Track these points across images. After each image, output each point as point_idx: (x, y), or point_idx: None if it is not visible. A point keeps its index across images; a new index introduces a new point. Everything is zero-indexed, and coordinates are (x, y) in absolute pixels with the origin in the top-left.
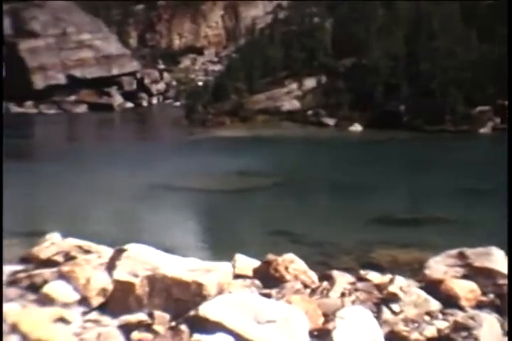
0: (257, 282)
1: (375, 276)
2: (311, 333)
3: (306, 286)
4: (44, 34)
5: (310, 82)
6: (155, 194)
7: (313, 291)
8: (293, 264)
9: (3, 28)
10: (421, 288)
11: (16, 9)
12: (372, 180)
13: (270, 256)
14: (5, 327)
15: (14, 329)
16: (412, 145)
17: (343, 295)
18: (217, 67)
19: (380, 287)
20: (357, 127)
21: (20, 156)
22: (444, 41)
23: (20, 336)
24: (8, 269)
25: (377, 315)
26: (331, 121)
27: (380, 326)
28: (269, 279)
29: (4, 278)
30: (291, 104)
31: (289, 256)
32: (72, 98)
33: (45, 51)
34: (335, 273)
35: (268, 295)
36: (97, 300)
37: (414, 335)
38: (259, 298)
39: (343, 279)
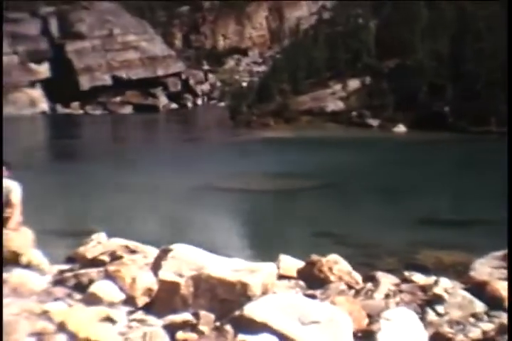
0: (301, 283)
1: (419, 278)
2: (355, 334)
3: (350, 287)
4: (90, 36)
5: (354, 83)
6: (200, 194)
7: (358, 292)
8: (337, 265)
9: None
10: (466, 289)
11: (63, 11)
12: (416, 181)
13: (314, 257)
14: (51, 326)
15: (61, 328)
16: (456, 147)
17: (387, 296)
18: (262, 68)
19: (424, 288)
20: (401, 128)
21: (67, 157)
22: (489, 41)
23: (67, 335)
24: (54, 268)
25: (422, 316)
26: (374, 122)
27: (425, 328)
28: (313, 280)
29: (51, 277)
30: (335, 105)
31: (333, 257)
32: (118, 99)
33: (91, 52)
34: (379, 274)
35: (312, 296)
36: (142, 300)
37: (459, 337)
38: (304, 299)
39: (387, 280)
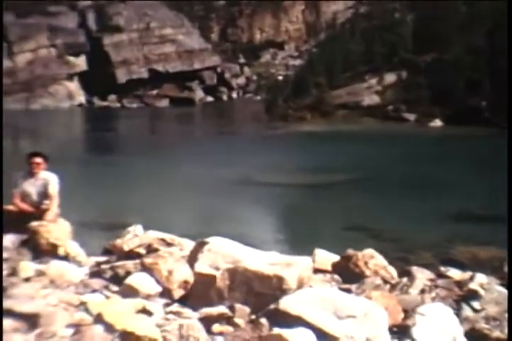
0: (337, 277)
1: (455, 273)
2: (390, 329)
3: (385, 282)
4: (128, 29)
5: (390, 77)
6: (235, 188)
7: (393, 287)
8: (373, 260)
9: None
10: (502, 285)
11: (100, 5)
12: (451, 176)
13: (350, 251)
14: (89, 317)
15: (98, 319)
16: (492, 142)
17: (422, 291)
18: (298, 62)
19: (460, 284)
20: (437, 123)
21: (103, 149)
22: None
23: (104, 326)
24: (91, 260)
25: (458, 312)
26: (411, 117)
27: (461, 323)
28: (348, 274)
29: (88, 268)
30: (371, 99)
31: (369, 252)
32: (154, 92)
33: (128, 46)
34: (414, 269)
35: (348, 290)
36: (178, 293)
37: (496, 333)
38: (340, 293)
39: (422, 275)
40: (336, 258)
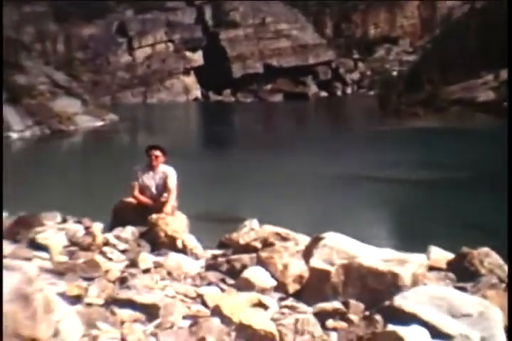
0: (451, 275)
1: None
2: (506, 329)
3: (501, 281)
4: (244, 24)
5: (506, 73)
6: (348, 184)
7: None
8: (488, 258)
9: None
10: None
11: (217, 0)
12: None
13: (465, 249)
14: (205, 310)
15: (215, 312)
16: None
17: None
18: (412, 57)
19: None
20: None
21: (218, 143)
22: None
23: (221, 319)
24: (208, 253)
25: None
26: None
27: None
28: (463, 272)
29: (204, 261)
30: (486, 95)
31: (484, 250)
32: (269, 87)
33: (244, 41)
34: None
35: (463, 289)
36: (293, 287)
37: None
38: (454, 292)
39: None
40: (451, 256)
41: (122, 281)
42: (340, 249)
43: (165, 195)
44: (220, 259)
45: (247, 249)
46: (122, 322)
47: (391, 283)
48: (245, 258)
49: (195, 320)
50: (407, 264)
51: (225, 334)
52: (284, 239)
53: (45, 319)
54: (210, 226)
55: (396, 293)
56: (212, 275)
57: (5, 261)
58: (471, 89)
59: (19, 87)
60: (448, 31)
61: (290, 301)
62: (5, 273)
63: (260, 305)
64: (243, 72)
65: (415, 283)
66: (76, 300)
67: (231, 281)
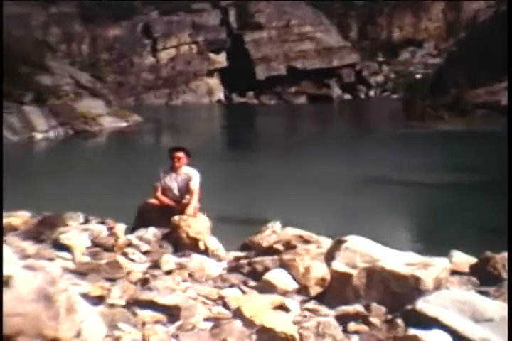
0: (474, 279)
1: None
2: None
3: None
4: (268, 26)
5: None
6: (371, 187)
7: None
8: None
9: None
10: None
11: (242, 3)
12: None
13: (488, 253)
14: (227, 312)
15: (237, 314)
16: None
17: None
18: (437, 60)
19: None
20: None
21: (240, 145)
22: None
23: (242, 321)
24: (230, 255)
25: None
26: None
27: None
28: (486, 277)
29: (226, 263)
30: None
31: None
32: (293, 89)
33: (268, 43)
34: None
35: (485, 293)
36: (315, 290)
37: None
38: (477, 296)
39: None
40: (474, 260)
41: (144, 282)
42: (362, 252)
43: (187, 196)
44: (242, 261)
45: (270, 251)
46: (144, 324)
47: (413, 287)
48: (267, 260)
49: (216, 322)
50: (430, 268)
51: (246, 337)
52: (307, 241)
53: (68, 319)
54: (232, 228)
55: (418, 296)
56: (234, 277)
57: (29, 261)
58: (496, 93)
59: (44, 88)
60: (473, 34)
61: (312, 304)
62: (28, 273)
63: (282, 307)
64: (267, 74)
65: (438, 287)
66: (98, 300)
67: (253, 283)
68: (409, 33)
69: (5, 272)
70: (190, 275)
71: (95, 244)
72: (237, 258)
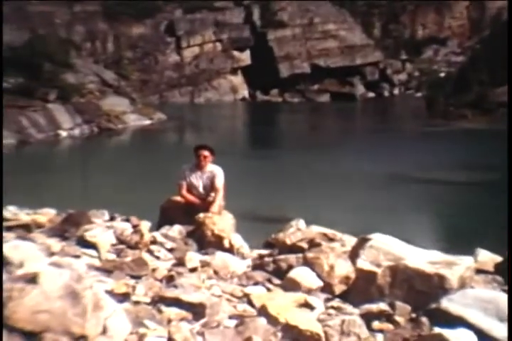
0: (499, 278)
1: None
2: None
3: None
4: (291, 24)
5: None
6: (394, 183)
7: None
8: None
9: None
10: None
11: (265, 1)
12: None
13: None
14: (251, 309)
15: (262, 312)
16: None
17: None
18: (460, 59)
19: None
20: None
21: (265, 143)
22: None
23: (267, 319)
24: (254, 253)
25: None
26: None
27: None
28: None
29: (250, 261)
30: None
31: None
32: (316, 87)
33: (291, 41)
34: None
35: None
36: (339, 288)
37: None
38: (502, 295)
39: None
40: (499, 258)
41: (169, 280)
42: (386, 250)
43: (212, 194)
44: (266, 259)
45: (294, 249)
46: (169, 321)
47: (438, 286)
48: (291, 258)
49: (241, 319)
50: (455, 267)
51: (271, 335)
52: (331, 239)
53: (94, 316)
54: (256, 225)
55: (443, 295)
56: (259, 275)
57: (54, 258)
58: None
59: (69, 86)
60: (496, 32)
61: (336, 302)
62: (55, 270)
63: (306, 305)
64: (290, 72)
65: (462, 285)
66: (123, 298)
67: (277, 281)
68: (433, 30)
69: (32, 269)
70: (215, 272)
71: (120, 241)
72: (261, 256)
